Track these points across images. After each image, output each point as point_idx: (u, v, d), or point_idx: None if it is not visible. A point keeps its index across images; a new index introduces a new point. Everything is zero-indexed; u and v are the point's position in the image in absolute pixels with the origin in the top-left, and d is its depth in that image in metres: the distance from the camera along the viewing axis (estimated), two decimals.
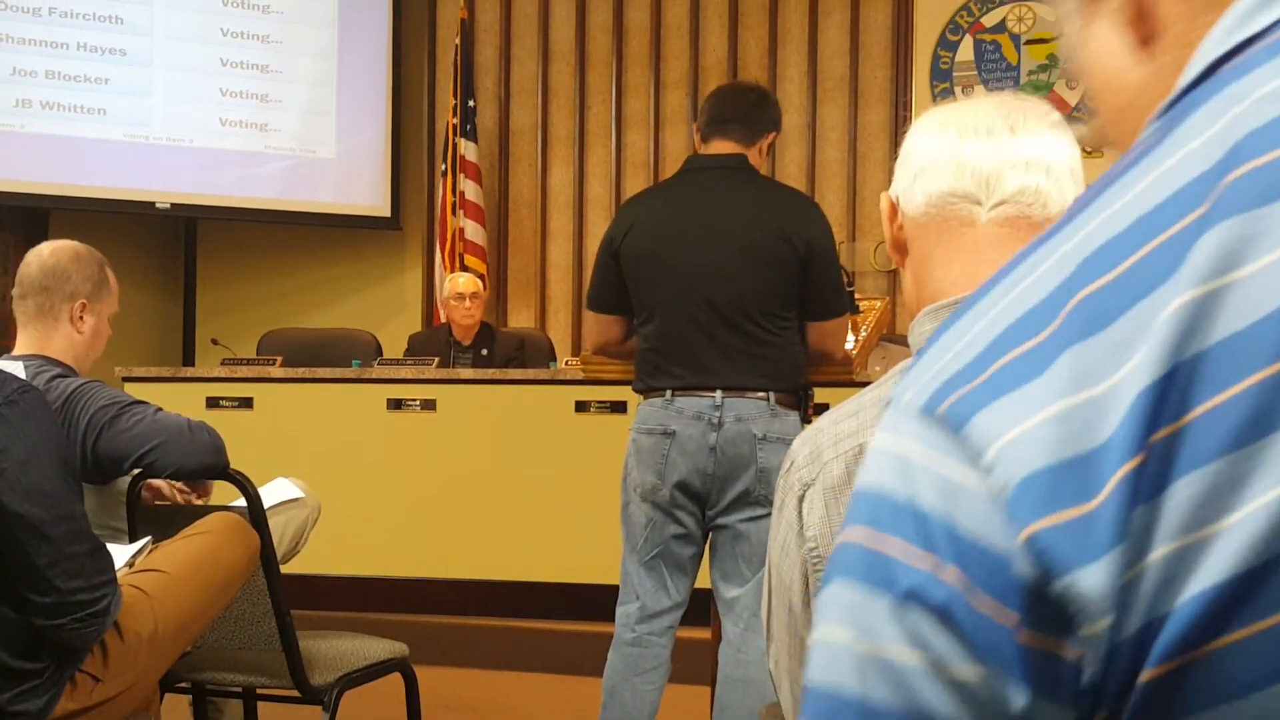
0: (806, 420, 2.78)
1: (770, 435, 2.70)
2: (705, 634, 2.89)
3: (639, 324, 2.84)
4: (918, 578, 0.42)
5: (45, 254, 2.49)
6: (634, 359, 2.86)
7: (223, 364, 5.03)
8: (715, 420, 2.70)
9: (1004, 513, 0.41)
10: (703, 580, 2.86)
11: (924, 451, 0.44)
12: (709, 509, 2.76)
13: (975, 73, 6.11)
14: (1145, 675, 0.39)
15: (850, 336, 3.06)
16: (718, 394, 2.71)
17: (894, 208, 1.26)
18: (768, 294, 2.71)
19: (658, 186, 3.02)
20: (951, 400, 0.44)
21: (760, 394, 2.71)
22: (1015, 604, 0.41)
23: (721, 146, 2.81)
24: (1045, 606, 0.40)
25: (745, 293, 2.71)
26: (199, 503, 2.62)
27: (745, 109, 2.84)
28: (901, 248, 1.27)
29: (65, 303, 2.47)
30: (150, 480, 2.52)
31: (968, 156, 1.19)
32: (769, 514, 2.70)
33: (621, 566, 2.87)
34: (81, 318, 2.49)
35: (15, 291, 2.49)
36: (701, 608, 3.03)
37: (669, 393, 2.75)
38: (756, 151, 2.83)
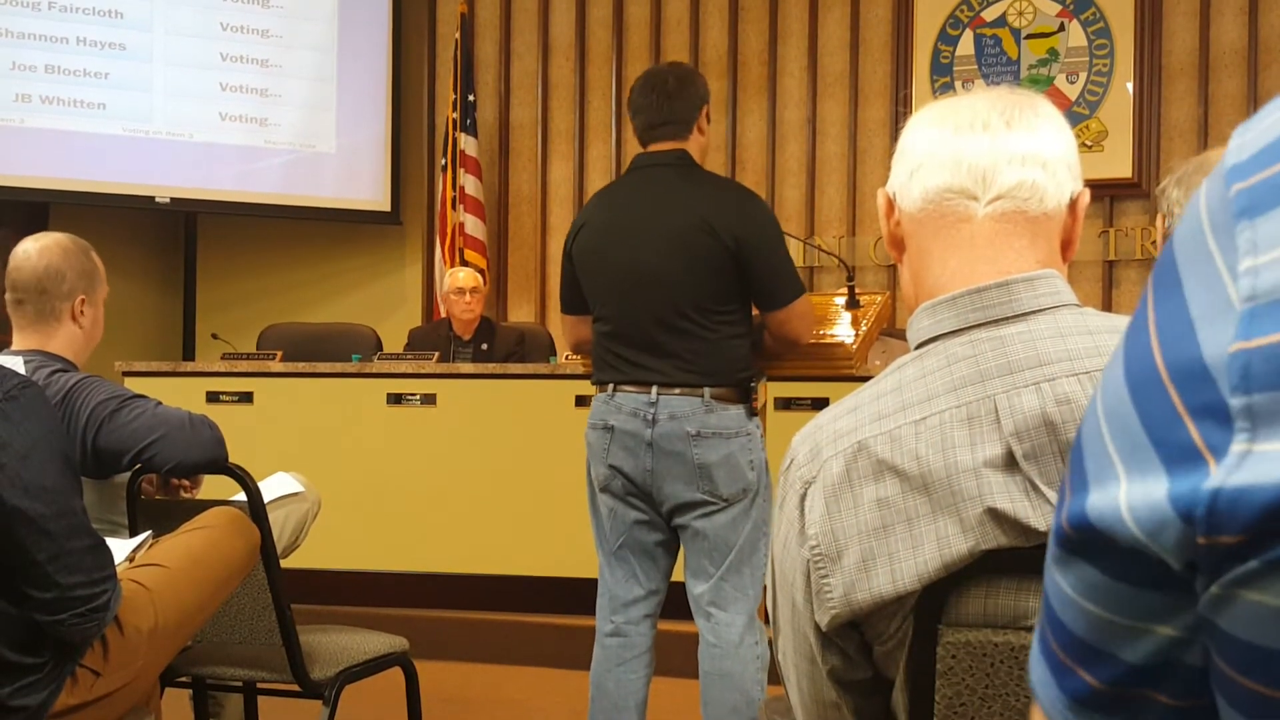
0: (753, 412, 2.80)
1: (705, 431, 2.73)
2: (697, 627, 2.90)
3: (593, 320, 2.89)
4: None
5: (34, 256, 2.46)
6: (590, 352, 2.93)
7: (223, 358, 5.04)
8: (650, 417, 2.75)
9: None
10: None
11: None
12: (658, 506, 2.81)
13: (976, 67, 6.11)
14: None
15: (850, 331, 3.06)
16: (653, 391, 2.75)
17: (890, 204, 1.26)
18: (699, 289, 2.74)
19: (608, 187, 3.05)
20: None
21: (697, 390, 2.74)
22: None
23: (661, 145, 2.85)
24: None
25: (677, 289, 2.74)
26: (188, 496, 2.62)
27: (671, 108, 2.82)
28: (898, 243, 1.27)
29: (65, 302, 2.47)
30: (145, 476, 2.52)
31: (964, 152, 1.19)
32: (722, 508, 2.76)
33: (598, 562, 2.92)
34: (82, 313, 2.49)
35: (9, 296, 2.48)
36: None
37: (611, 387, 2.81)
38: (696, 131, 2.85)
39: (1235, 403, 0.46)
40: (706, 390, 2.74)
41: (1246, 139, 0.51)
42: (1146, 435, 0.49)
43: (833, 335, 2.99)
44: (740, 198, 2.85)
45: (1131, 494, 0.49)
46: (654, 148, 2.86)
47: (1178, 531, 0.47)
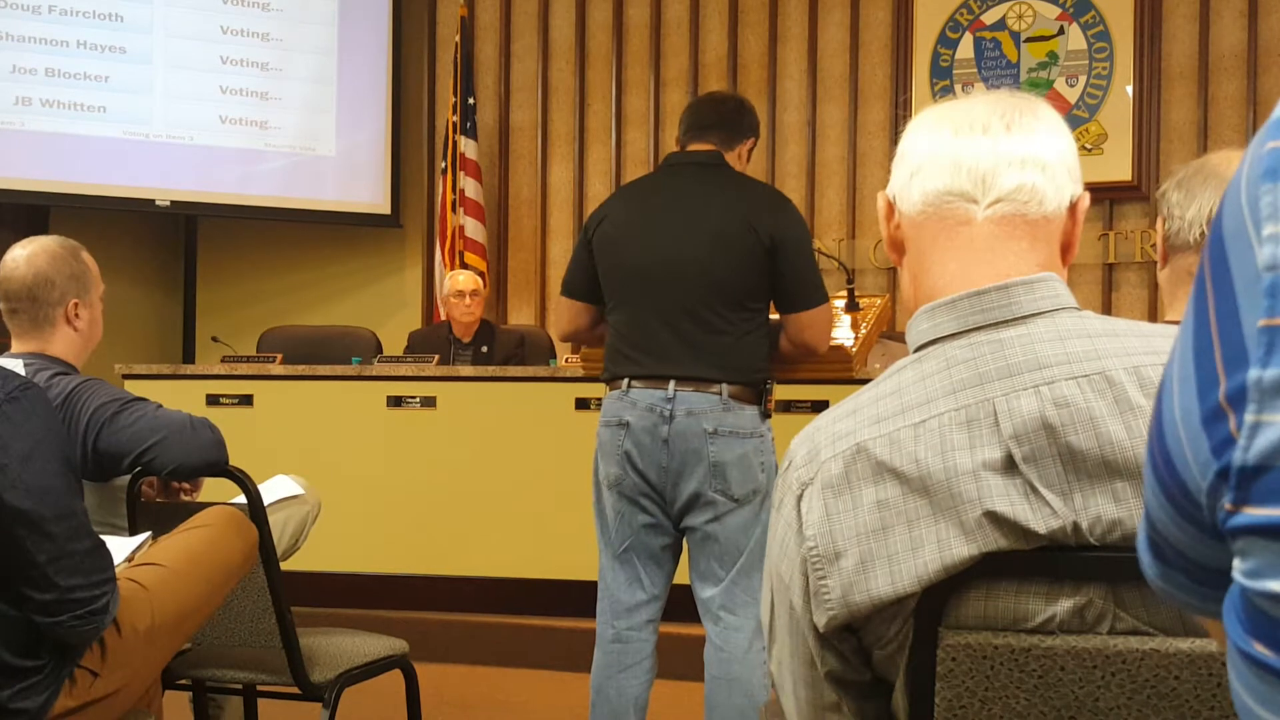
0: (766, 414, 2.80)
1: (722, 430, 2.72)
2: (701, 631, 2.90)
3: (608, 312, 2.88)
4: None
5: (22, 265, 2.46)
6: (604, 347, 2.91)
7: (223, 361, 5.04)
8: (666, 413, 2.74)
9: None
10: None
11: None
12: (669, 505, 2.79)
13: (975, 70, 6.11)
14: None
15: (850, 334, 3.06)
16: (670, 386, 2.74)
17: (890, 207, 1.26)
18: (732, 284, 2.74)
19: (636, 181, 3.06)
20: None
21: (714, 387, 2.73)
22: None
23: (701, 146, 2.86)
24: None
25: (709, 282, 2.74)
26: (188, 499, 2.62)
27: (723, 115, 2.90)
28: (898, 246, 1.27)
29: (57, 308, 2.47)
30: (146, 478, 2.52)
31: (963, 155, 1.19)
32: (732, 509, 2.74)
33: (599, 565, 2.90)
34: (77, 315, 2.49)
35: (3, 306, 2.48)
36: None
37: (626, 383, 2.79)
38: (735, 156, 2.89)
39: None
40: (724, 387, 2.73)
41: None
42: None
43: (833, 338, 3.00)
44: (779, 200, 2.88)
45: None
46: (692, 148, 2.88)
47: None
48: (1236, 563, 0.53)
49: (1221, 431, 0.51)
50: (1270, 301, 0.47)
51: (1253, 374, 0.48)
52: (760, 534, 2.77)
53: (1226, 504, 0.52)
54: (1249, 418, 0.49)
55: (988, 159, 1.19)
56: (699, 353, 2.74)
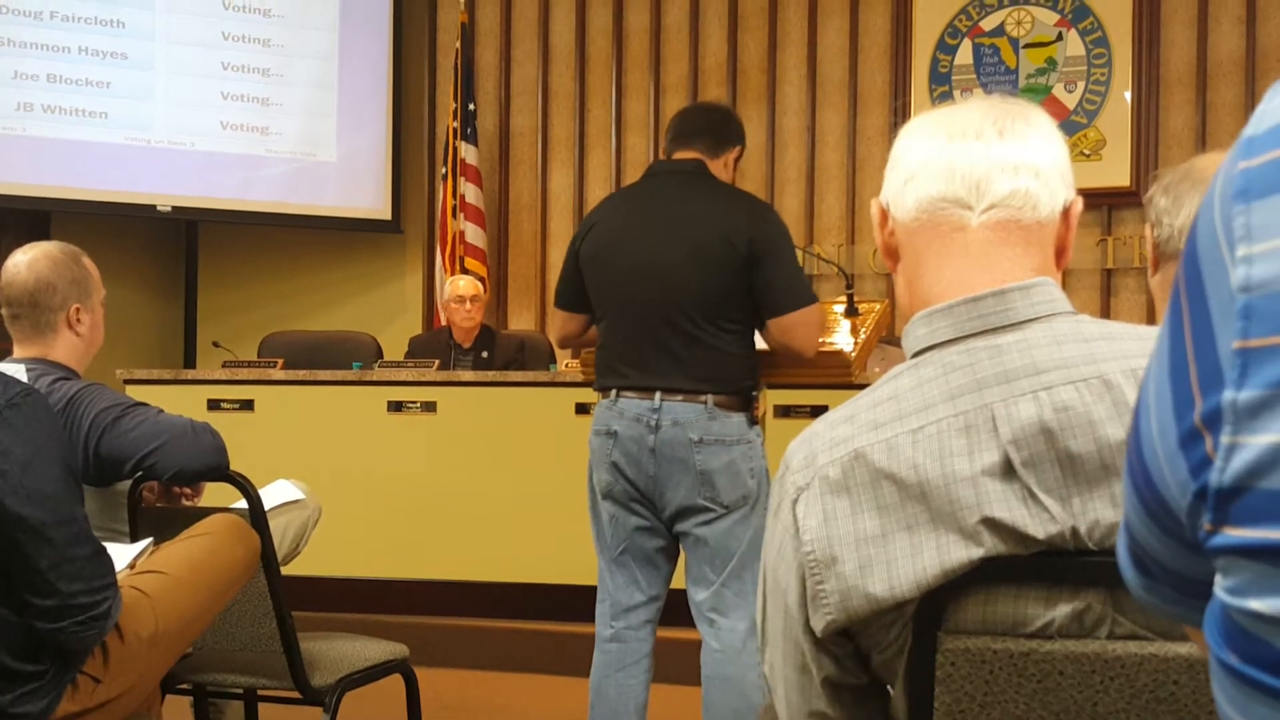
0: (753, 421, 2.81)
1: (708, 438, 2.74)
2: (699, 635, 2.91)
3: (597, 323, 2.91)
4: None
5: (23, 270, 2.47)
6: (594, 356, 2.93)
7: (224, 366, 5.04)
8: (653, 423, 2.76)
9: None
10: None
11: None
12: (660, 512, 2.82)
13: (974, 76, 6.12)
14: None
15: (849, 339, 3.06)
16: (656, 396, 2.76)
17: (884, 213, 1.27)
18: (713, 296, 2.75)
19: (622, 191, 3.08)
20: None
21: (699, 397, 2.75)
22: None
23: (685, 154, 2.88)
24: None
25: (690, 295, 2.75)
26: (189, 504, 2.62)
27: (711, 121, 2.94)
28: (893, 253, 1.27)
29: (59, 313, 2.47)
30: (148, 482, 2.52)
31: (957, 161, 1.20)
32: (721, 515, 2.77)
33: (598, 568, 2.92)
34: (78, 320, 2.50)
35: (5, 312, 2.49)
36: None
37: (614, 393, 2.82)
38: (721, 164, 2.90)
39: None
40: (709, 397, 2.75)
41: (1270, 107, 0.50)
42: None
43: (832, 343, 3.00)
44: (759, 209, 2.89)
45: None
46: (676, 156, 2.90)
47: None
48: (1218, 579, 0.55)
49: (1198, 452, 0.52)
50: (1244, 323, 0.48)
51: (1227, 395, 0.49)
52: (751, 537, 2.78)
53: (1206, 524, 0.53)
54: (1225, 439, 0.50)
55: (981, 165, 1.19)
56: (682, 365, 2.76)
